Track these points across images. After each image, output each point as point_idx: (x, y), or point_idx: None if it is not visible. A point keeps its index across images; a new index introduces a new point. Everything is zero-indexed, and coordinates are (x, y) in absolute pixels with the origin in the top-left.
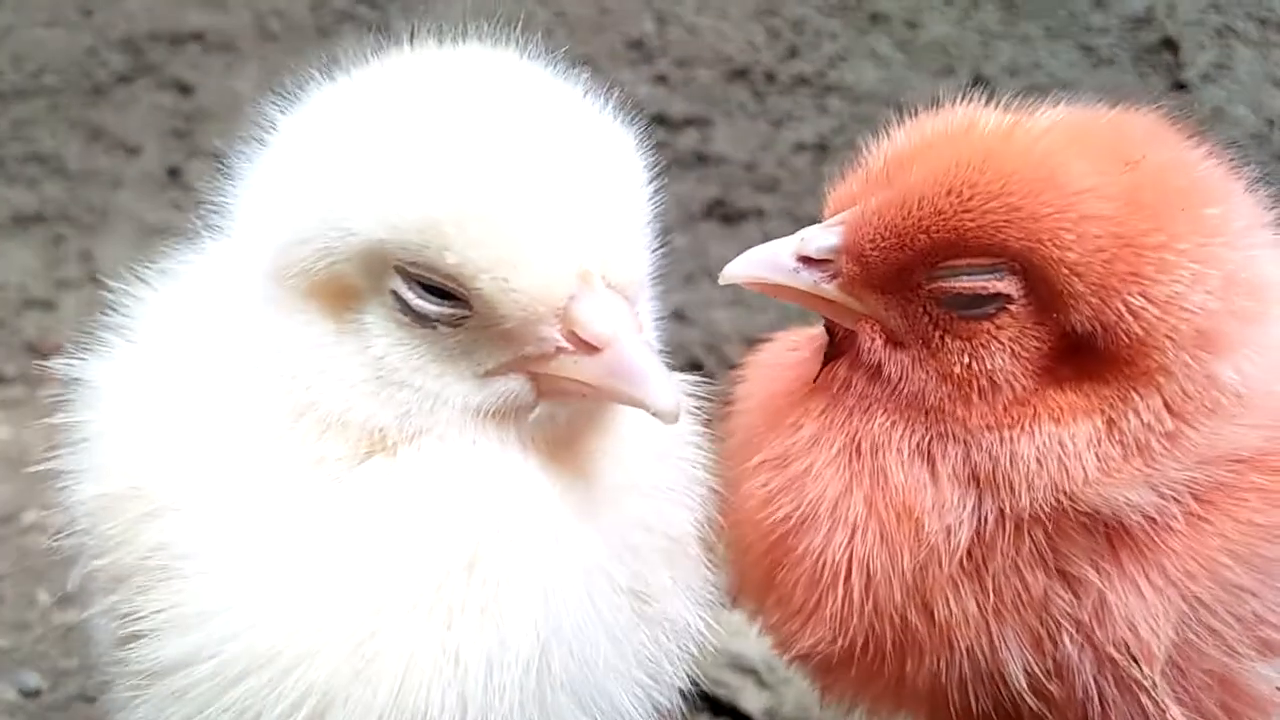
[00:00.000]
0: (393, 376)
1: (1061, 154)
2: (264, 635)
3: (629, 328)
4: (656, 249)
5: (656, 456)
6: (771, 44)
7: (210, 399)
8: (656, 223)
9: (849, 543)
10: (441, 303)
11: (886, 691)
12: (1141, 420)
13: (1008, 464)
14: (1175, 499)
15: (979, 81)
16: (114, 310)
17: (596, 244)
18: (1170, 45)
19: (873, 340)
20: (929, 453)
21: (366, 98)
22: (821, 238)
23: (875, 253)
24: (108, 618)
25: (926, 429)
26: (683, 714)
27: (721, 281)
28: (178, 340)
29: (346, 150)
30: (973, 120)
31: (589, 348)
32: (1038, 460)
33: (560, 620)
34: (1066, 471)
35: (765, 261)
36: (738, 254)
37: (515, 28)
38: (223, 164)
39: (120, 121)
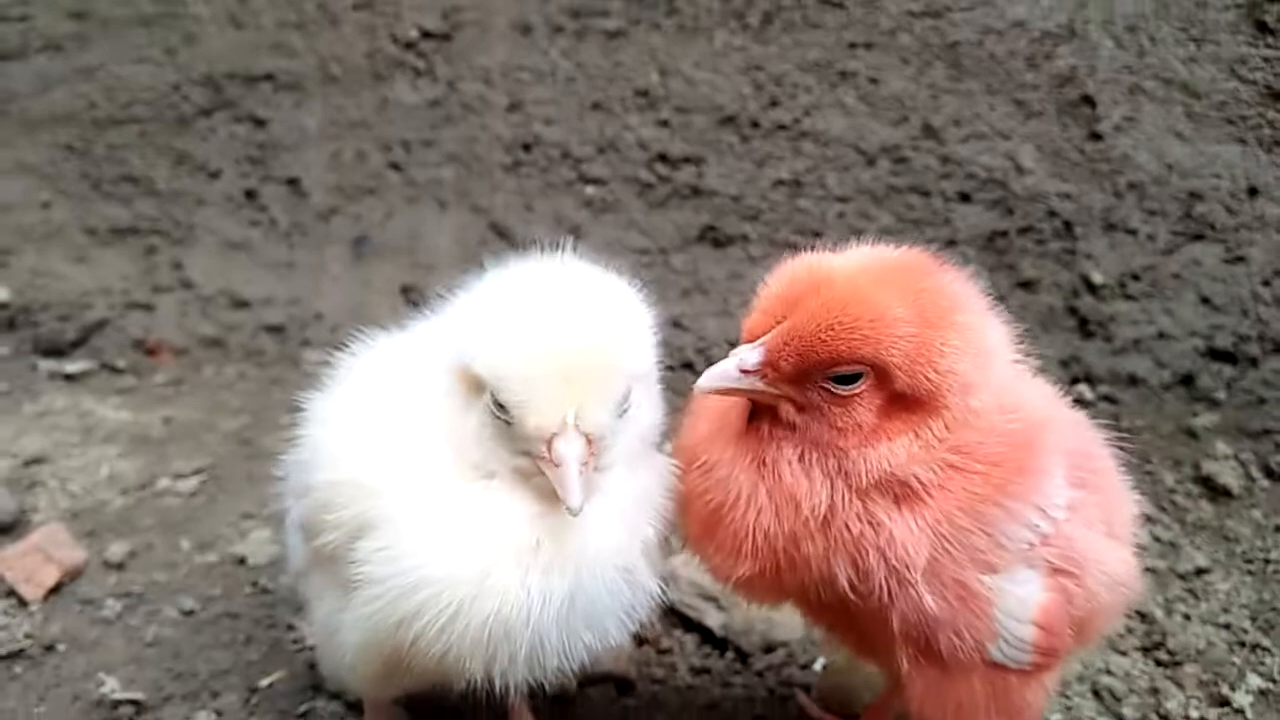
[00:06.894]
0: (482, 438)
1: (879, 292)
2: (432, 570)
3: (574, 458)
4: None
5: (639, 497)
6: (756, 95)
7: (403, 427)
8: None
9: (758, 517)
10: (502, 412)
11: (775, 591)
12: (934, 433)
13: (862, 463)
14: (937, 472)
15: (928, 130)
16: (330, 365)
17: (575, 405)
18: (1089, 101)
19: (789, 410)
20: (807, 463)
21: (493, 291)
22: (752, 357)
23: (788, 365)
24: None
25: (806, 452)
26: (663, 630)
27: (697, 391)
28: (377, 388)
29: (480, 321)
30: (817, 269)
31: (553, 463)
32: (879, 457)
33: (581, 582)
34: (891, 460)
35: (720, 375)
36: (726, 273)
37: (543, 78)
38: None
39: (202, 149)
